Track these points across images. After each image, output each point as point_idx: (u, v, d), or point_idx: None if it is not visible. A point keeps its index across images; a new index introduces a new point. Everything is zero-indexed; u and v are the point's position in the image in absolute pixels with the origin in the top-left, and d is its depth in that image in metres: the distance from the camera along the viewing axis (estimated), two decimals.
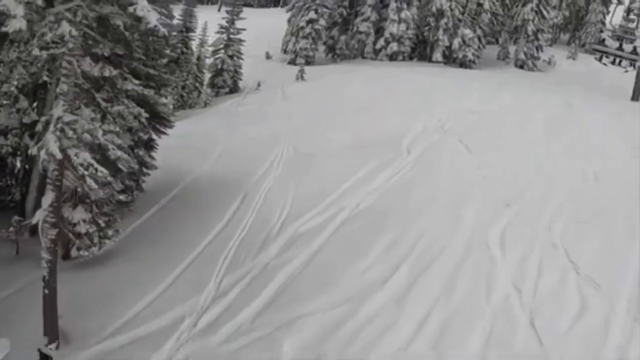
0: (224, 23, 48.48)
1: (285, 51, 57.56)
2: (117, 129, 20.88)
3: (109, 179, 17.41)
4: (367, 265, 18.36)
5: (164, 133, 26.85)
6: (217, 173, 27.78)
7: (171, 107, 37.85)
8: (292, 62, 54.77)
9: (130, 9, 13.87)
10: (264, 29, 62.39)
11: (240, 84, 48.74)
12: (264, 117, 36.89)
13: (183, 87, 44.37)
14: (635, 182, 25.28)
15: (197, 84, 44.82)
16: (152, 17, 13.86)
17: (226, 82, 47.31)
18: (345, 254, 18.96)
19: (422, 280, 17.61)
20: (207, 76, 47.87)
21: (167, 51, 26.55)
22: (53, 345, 13.71)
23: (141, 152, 24.82)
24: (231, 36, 48.36)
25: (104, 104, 20.09)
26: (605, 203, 23.33)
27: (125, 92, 21.96)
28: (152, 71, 24.65)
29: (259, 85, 46.37)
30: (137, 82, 22.32)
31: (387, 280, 17.57)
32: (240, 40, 48.46)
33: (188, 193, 26.05)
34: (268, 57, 58.81)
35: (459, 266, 18.19)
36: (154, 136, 25.93)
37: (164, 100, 27.16)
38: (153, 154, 26.55)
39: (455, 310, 16.25)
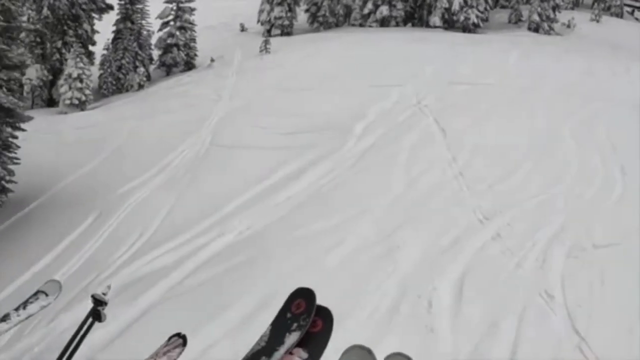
0: None
1: (261, 22, 49.39)
2: None
3: None
4: (209, 341, 10.36)
5: (20, 129, 20.27)
6: (93, 178, 20.52)
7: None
8: (267, 34, 46.64)
9: None
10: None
11: (197, 60, 40.90)
12: (197, 100, 29.06)
13: (119, 68, 36.65)
14: None
15: (137, 63, 36.97)
16: None
17: (175, 59, 39.40)
18: (183, 319, 10.95)
19: None
20: (156, 54, 40.17)
21: None
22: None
23: None
24: (181, 5, 40.33)
25: None
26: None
27: None
28: None
29: (212, 61, 38.42)
30: None
31: None
32: (192, 10, 40.48)
33: (44, 208, 19.71)
34: (243, 29, 50.94)
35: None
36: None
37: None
38: (12, 157, 20.63)
39: None
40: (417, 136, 20.51)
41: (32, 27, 23.51)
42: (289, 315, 3.83)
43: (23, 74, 20.77)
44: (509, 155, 18.68)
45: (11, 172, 20.19)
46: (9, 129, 20.45)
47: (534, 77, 28.60)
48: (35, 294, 5.72)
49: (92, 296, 4.75)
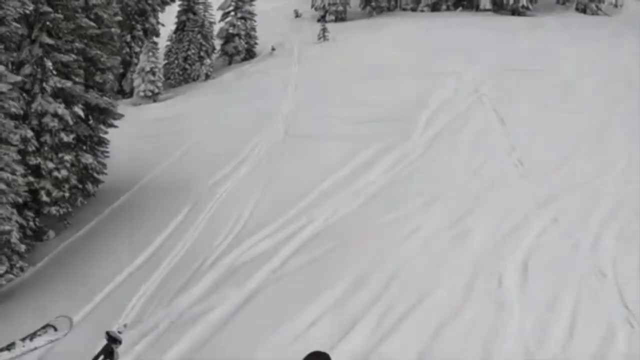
0: None
1: (315, 8, 51.11)
2: None
3: None
4: (311, 320, 12.31)
5: (112, 126, 22.26)
6: (178, 170, 22.59)
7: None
8: (322, 20, 48.41)
9: None
10: None
11: (257, 48, 42.80)
12: (264, 90, 31.11)
13: (185, 59, 38.75)
14: None
15: (202, 54, 39.03)
16: None
17: (238, 48, 41.41)
18: (287, 300, 12.98)
19: (386, 348, 11.37)
20: (217, 43, 42.15)
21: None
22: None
23: (68, 157, 19.81)
24: None
25: None
26: None
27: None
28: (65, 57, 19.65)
29: (273, 49, 40.31)
30: None
31: (334, 347, 11.38)
32: (251, 0, 42.42)
33: (136, 200, 21.60)
34: (297, 15, 52.72)
35: (445, 322, 11.86)
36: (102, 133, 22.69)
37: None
38: (104, 150, 22.19)
39: None
40: (478, 126, 22.19)
41: (118, 31, 25.49)
42: None
43: (114, 76, 22.78)
44: (562, 143, 20.24)
45: (104, 165, 22.29)
46: (101, 126, 22.57)
47: (584, 62, 29.90)
48: (44, 327, 6.39)
49: (107, 333, 5.23)
